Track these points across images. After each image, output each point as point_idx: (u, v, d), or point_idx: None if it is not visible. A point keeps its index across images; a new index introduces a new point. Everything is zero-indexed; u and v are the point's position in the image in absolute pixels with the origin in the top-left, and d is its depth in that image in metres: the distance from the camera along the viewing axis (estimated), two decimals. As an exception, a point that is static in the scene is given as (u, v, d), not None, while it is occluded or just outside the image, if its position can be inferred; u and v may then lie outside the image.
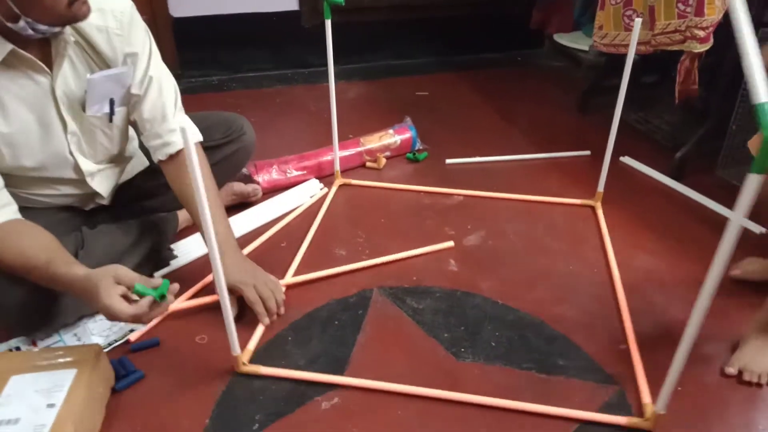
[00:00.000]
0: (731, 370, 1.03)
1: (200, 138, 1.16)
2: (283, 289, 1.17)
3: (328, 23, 1.38)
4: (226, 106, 2.16)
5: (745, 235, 1.41)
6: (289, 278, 1.24)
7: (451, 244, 1.35)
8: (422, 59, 2.78)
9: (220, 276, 0.85)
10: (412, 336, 1.11)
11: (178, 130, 1.09)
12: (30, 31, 0.89)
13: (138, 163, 1.28)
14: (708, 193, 1.59)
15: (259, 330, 1.10)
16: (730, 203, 1.51)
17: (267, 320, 1.10)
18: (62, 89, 1.00)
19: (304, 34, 2.53)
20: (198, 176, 0.74)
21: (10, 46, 0.90)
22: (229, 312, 0.91)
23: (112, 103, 1.06)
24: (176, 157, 1.10)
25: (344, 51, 2.52)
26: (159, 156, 1.11)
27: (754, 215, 0.84)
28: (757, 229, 1.43)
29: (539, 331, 1.12)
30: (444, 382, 1.00)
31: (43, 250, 0.93)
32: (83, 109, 1.03)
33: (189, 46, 2.42)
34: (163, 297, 0.89)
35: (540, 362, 1.05)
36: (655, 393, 0.92)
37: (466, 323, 1.14)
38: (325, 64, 1.43)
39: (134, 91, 1.07)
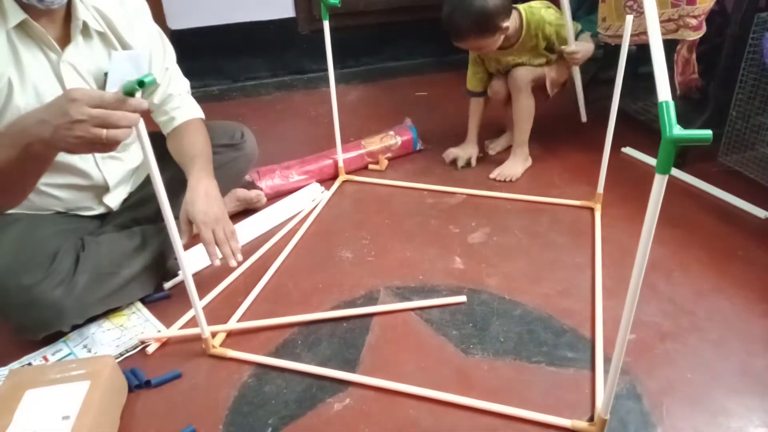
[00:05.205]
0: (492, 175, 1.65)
1: (202, 115, 1.28)
2: (240, 243, 1.21)
3: (326, 23, 1.39)
4: (228, 115, 2.17)
5: (746, 219, 1.42)
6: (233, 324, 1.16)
7: (463, 299, 1.20)
8: (420, 60, 2.78)
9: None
10: (420, 334, 1.11)
11: (181, 107, 1.23)
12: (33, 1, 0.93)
13: (144, 172, 1.29)
14: (711, 179, 1.59)
15: (234, 317, 1.15)
16: (732, 189, 1.53)
17: (217, 262, 1.15)
18: (70, 70, 1.04)
19: (301, 40, 2.54)
20: None
21: (23, 16, 0.95)
22: (196, 298, 0.96)
23: None
24: (179, 127, 1.23)
25: (342, 55, 2.53)
26: (166, 129, 1.24)
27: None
28: (762, 214, 1.43)
29: (547, 324, 1.12)
30: (454, 378, 1.01)
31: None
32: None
33: (188, 58, 2.42)
34: (131, 93, 0.76)
35: (549, 355, 1.05)
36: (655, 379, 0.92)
37: (474, 320, 1.14)
38: (323, 69, 1.45)
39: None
